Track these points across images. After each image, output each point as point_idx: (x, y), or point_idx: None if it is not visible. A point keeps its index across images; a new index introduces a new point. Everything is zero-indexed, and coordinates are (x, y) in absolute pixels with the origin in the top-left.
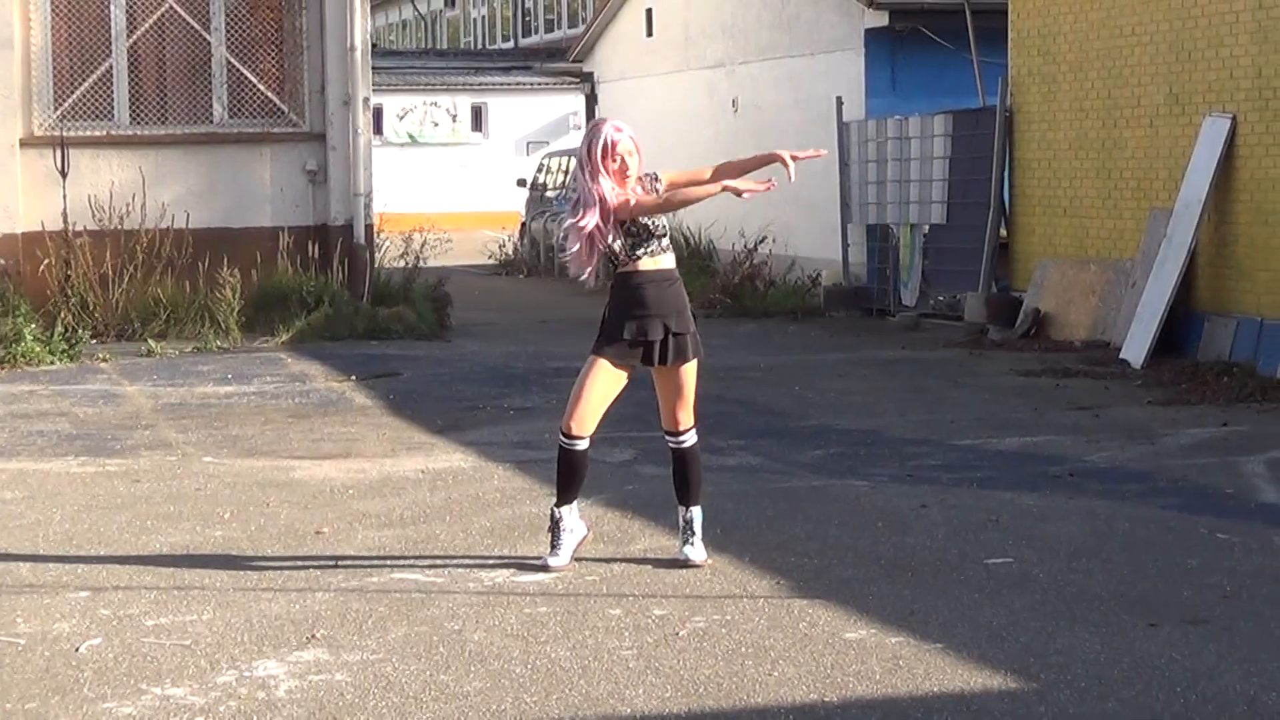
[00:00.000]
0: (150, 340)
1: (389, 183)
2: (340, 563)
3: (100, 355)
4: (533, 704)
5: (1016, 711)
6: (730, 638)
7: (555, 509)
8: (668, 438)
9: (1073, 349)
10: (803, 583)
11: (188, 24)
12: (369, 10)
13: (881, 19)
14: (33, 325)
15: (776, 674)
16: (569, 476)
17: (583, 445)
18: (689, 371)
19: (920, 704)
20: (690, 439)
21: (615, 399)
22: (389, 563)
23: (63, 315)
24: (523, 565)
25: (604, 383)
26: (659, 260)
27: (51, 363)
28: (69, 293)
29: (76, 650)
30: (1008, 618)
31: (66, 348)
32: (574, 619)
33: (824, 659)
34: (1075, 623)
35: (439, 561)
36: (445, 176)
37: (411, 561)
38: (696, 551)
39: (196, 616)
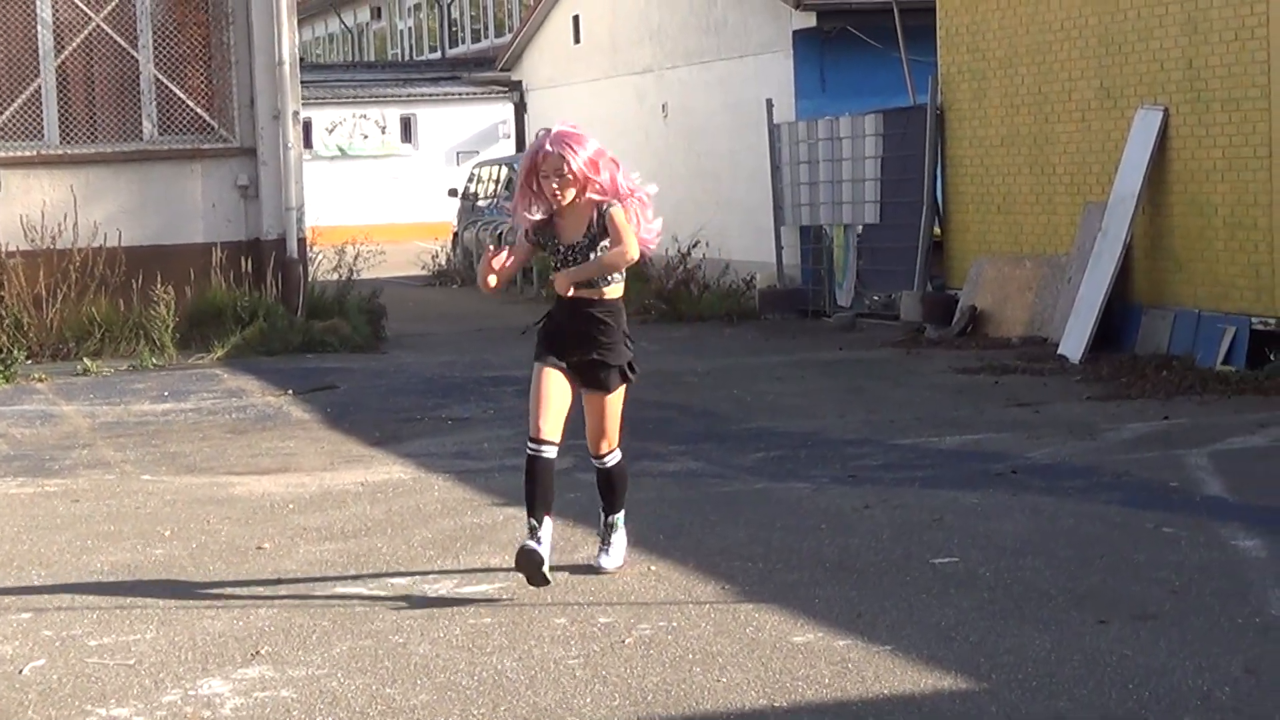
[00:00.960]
0: (86, 359)
1: (320, 196)
2: (282, 578)
3: (36, 375)
4: (480, 715)
5: (968, 712)
6: (677, 644)
7: (529, 518)
8: (591, 458)
9: (1010, 345)
10: (748, 587)
11: (115, 42)
12: (296, 24)
13: (809, 20)
14: None
15: (725, 680)
16: (535, 486)
17: (550, 452)
18: (612, 401)
19: (871, 707)
20: (612, 460)
21: (569, 409)
22: (331, 577)
23: None
24: (466, 576)
25: (555, 384)
26: (592, 289)
27: None
28: (2, 313)
29: (20, 672)
30: (956, 617)
31: (1, 369)
32: (519, 629)
33: (772, 663)
34: (1024, 621)
35: (382, 574)
36: (376, 188)
37: (354, 575)
38: (610, 559)
39: (140, 636)
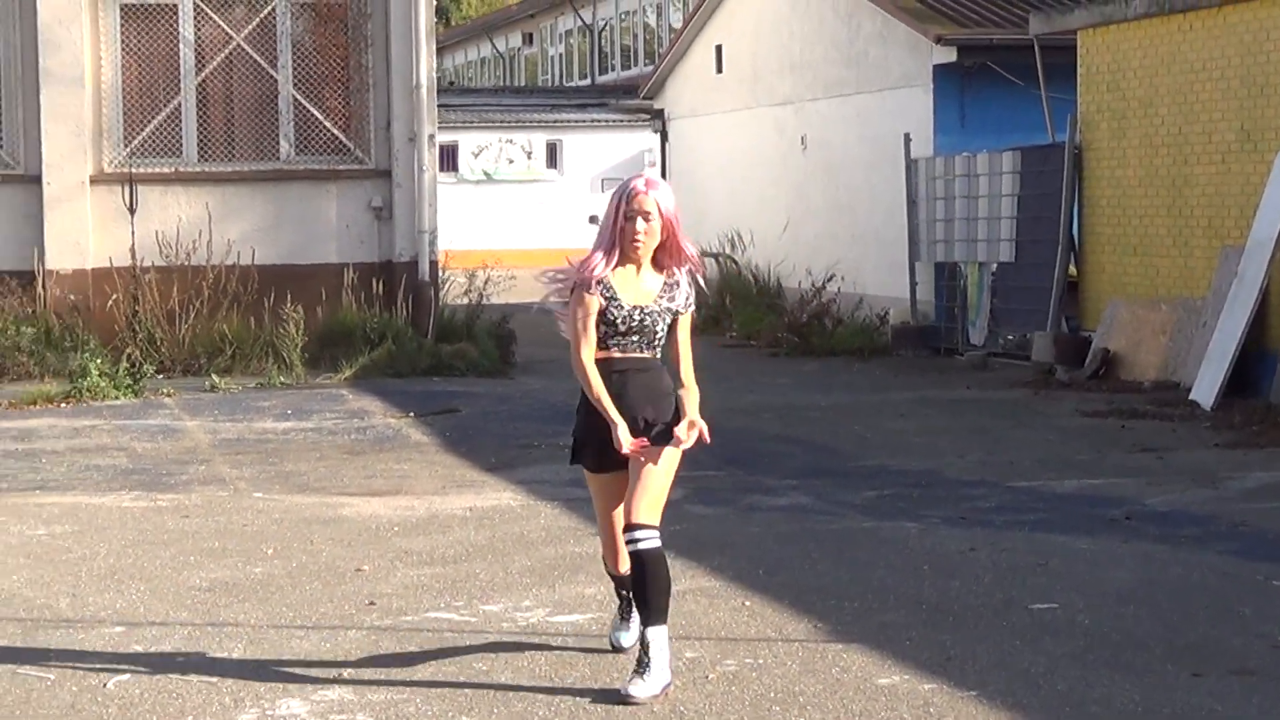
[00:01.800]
0: (215, 376)
1: (465, 219)
2: (376, 601)
3: (165, 390)
4: None
5: None
6: (760, 682)
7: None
8: (623, 534)
9: (1141, 390)
10: (841, 626)
11: (255, 62)
12: (435, 48)
13: (950, 55)
14: (99, 360)
15: None
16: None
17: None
18: (669, 455)
19: None
20: (648, 540)
21: None
22: (425, 601)
23: (129, 350)
24: (559, 605)
25: (615, 498)
26: (630, 351)
27: (116, 397)
28: (136, 328)
29: (105, 686)
30: (1047, 664)
31: (131, 383)
32: (604, 661)
33: (853, 705)
34: (1116, 671)
35: (476, 600)
36: (520, 213)
37: (448, 600)
38: (646, 686)
39: (227, 654)
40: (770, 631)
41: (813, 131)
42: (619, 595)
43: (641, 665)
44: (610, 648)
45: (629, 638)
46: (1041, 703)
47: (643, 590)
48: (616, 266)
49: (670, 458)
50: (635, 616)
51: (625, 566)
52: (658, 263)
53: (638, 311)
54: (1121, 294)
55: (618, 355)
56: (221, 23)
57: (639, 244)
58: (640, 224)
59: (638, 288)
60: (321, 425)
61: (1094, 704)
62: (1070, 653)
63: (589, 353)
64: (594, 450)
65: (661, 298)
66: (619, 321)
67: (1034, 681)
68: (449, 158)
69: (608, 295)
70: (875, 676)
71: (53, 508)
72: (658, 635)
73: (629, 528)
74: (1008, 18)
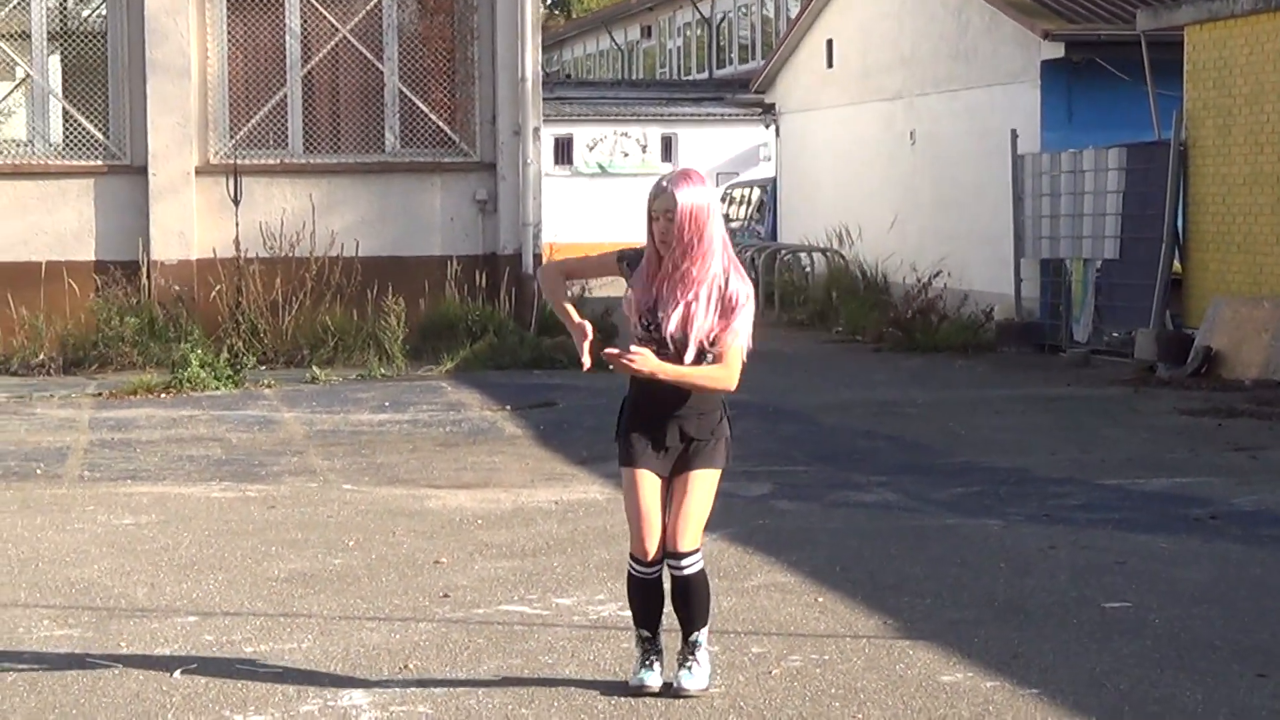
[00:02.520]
0: (316, 367)
1: (579, 212)
2: (450, 593)
3: (265, 381)
4: None
5: None
6: (823, 678)
7: (637, 629)
8: (666, 560)
9: (1242, 388)
10: (910, 623)
11: (361, 54)
12: (540, 41)
13: (1057, 50)
14: (200, 351)
15: (860, 716)
16: (644, 601)
17: (658, 572)
18: (702, 482)
19: None
20: (693, 565)
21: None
22: (499, 594)
23: (231, 341)
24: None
25: (652, 494)
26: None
27: (216, 388)
28: (239, 319)
29: (171, 676)
30: (1113, 664)
31: (231, 373)
32: (670, 655)
33: (913, 702)
34: (1182, 671)
35: (550, 594)
36: (634, 207)
37: (522, 593)
38: (695, 679)
39: (296, 644)
40: (839, 627)
41: (921, 127)
42: (639, 636)
43: (688, 659)
44: (636, 691)
45: (655, 679)
46: (1101, 702)
47: (688, 608)
48: (655, 270)
49: (710, 483)
50: (658, 659)
51: (655, 553)
52: (690, 274)
53: (654, 321)
54: (1225, 291)
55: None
56: (328, 15)
57: (663, 244)
58: (662, 225)
59: (664, 294)
60: (417, 417)
61: (1154, 704)
62: (1137, 652)
63: (556, 263)
64: (641, 449)
65: (693, 317)
66: (642, 317)
67: (1098, 681)
68: (564, 150)
69: (636, 288)
70: (939, 673)
71: (142, 497)
72: (702, 639)
73: (674, 555)
74: (1115, 13)
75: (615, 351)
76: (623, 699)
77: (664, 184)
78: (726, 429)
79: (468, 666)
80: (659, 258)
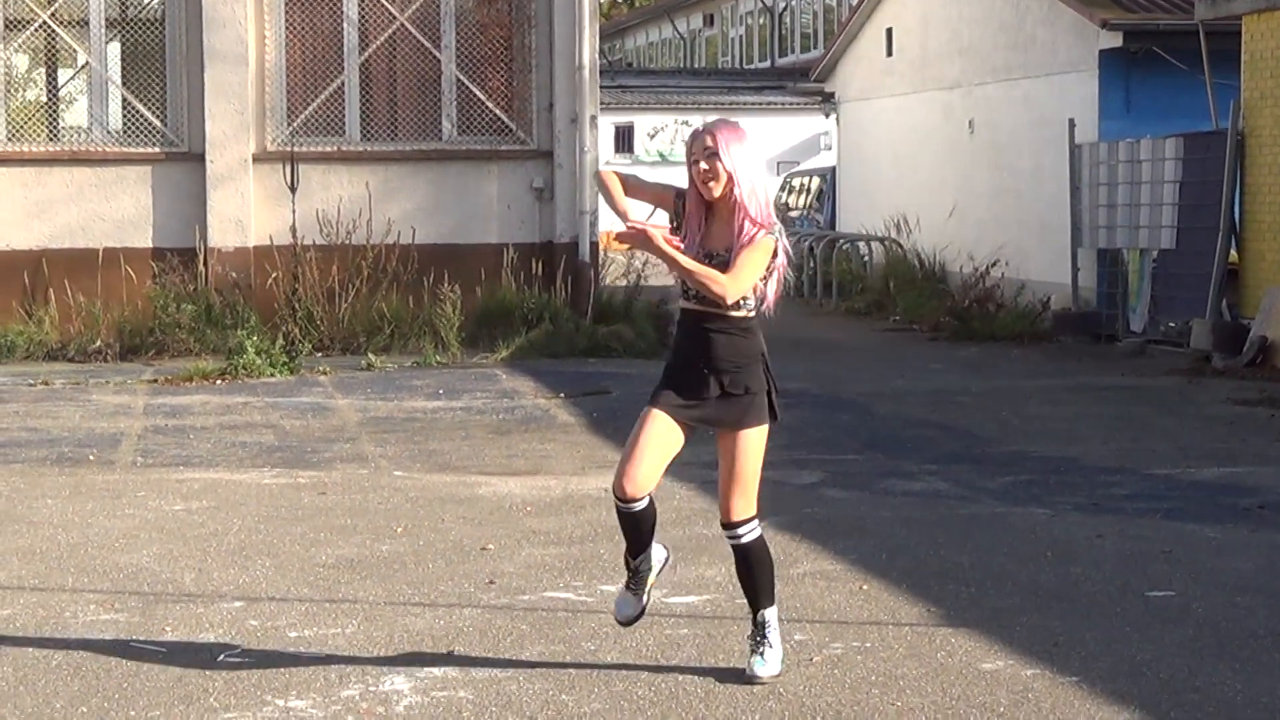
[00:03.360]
0: (372, 354)
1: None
2: (496, 580)
3: (321, 368)
4: None
5: None
6: (864, 665)
7: (627, 556)
8: (723, 529)
9: None
10: (954, 611)
11: (419, 42)
12: (598, 29)
13: (1116, 40)
14: (255, 337)
15: (899, 704)
16: (633, 533)
17: (640, 506)
18: (747, 442)
19: None
20: (750, 533)
21: (674, 458)
22: (545, 581)
23: (287, 328)
24: (677, 586)
25: (657, 435)
26: (709, 305)
27: (271, 375)
28: (295, 306)
29: (215, 660)
30: (1154, 652)
31: (286, 360)
32: (712, 642)
33: (953, 690)
34: (1223, 660)
35: (595, 580)
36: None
37: (567, 580)
38: (767, 666)
39: (340, 630)
40: (882, 615)
41: (980, 115)
42: (627, 565)
43: (759, 645)
44: (624, 620)
45: (629, 607)
46: (1141, 690)
47: (751, 579)
48: (698, 213)
49: (755, 444)
50: (637, 590)
51: (638, 487)
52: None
53: (704, 255)
54: None
55: (694, 307)
56: (385, 2)
57: (710, 183)
58: (703, 165)
59: (711, 231)
60: (471, 405)
61: (1193, 692)
62: (1179, 641)
63: (617, 171)
64: (672, 395)
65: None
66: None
67: (1138, 669)
68: (625, 139)
69: (684, 230)
70: (979, 661)
71: (193, 483)
72: (772, 615)
73: (729, 525)
74: (1174, 3)
75: (632, 223)
76: (664, 686)
77: (703, 128)
78: (766, 383)
79: (510, 652)
80: (701, 200)
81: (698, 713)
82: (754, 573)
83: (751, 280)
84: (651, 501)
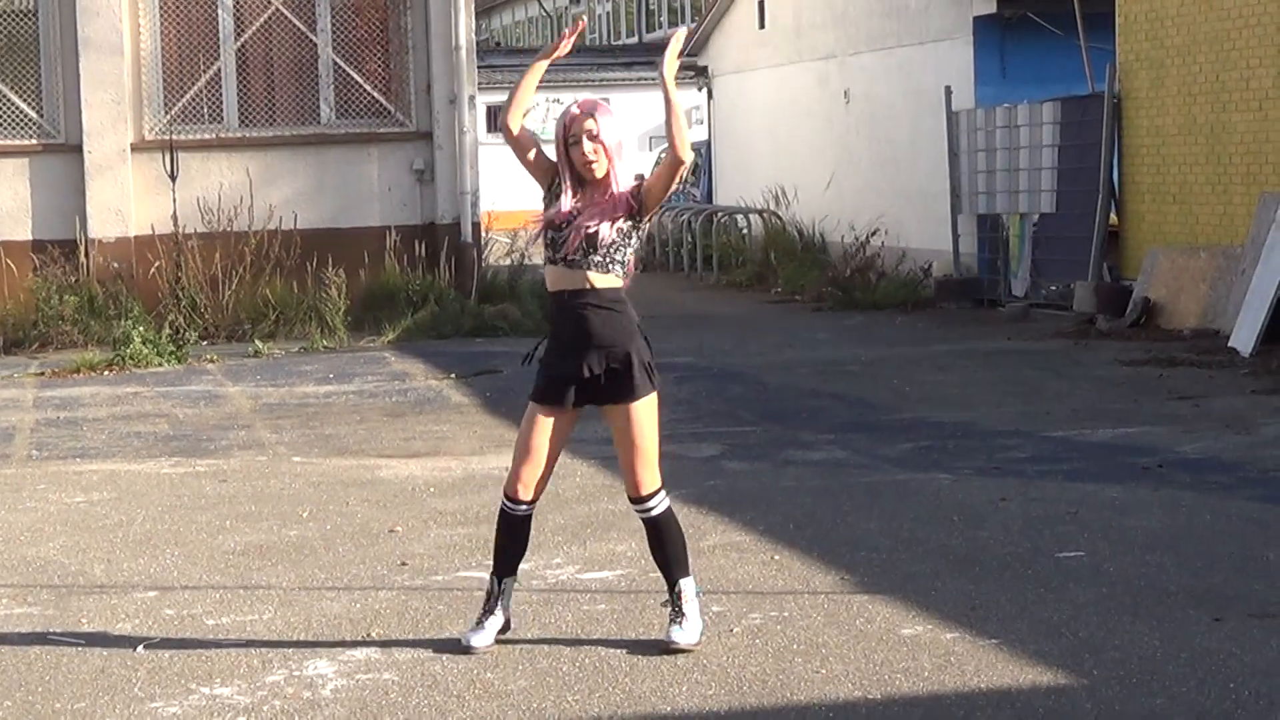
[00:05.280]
0: (258, 341)
1: (510, 181)
2: (408, 561)
3: (208, 356)
4: (574, 702)
5: (1062, 709)
6: (784, 634)
7: (493, 578)
8: (632, 505)
9: (1181, 338)
10: (867, 578)
11: (294, 26)
12: (474, 9)
13: (989, 6)
14: (141, 327)
15: (824, 671)
16: (510, 542)
17: (525, 510)
18: (639, 414)
19: (964, 700)
20: (659, 505)
21: (560, 449)
22: (457, 561)
23: (172, 317)
24: (589, 562)
25: (544, 434)
26: (605, 277)
27: (159, 364)
28: (179, 295)
29: (134, 650)
30: (1070, 612)
31: (174, 349)
32: (630, 616)
33: (875, 656)
34: (1138, 617)
35: None
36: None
37: (479, 560)
38: (686, 634)
39: (257, 616)
40: (797, 584)
41: (856, 85)
42: (490, 584)
43: (678, 615)
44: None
45: (483, 638)
46: (1061, 650)
47: (664, 551)
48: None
49: (648, 413)
50: (493, 618)
51: (529, 490)
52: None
53: (563, 231)
54: (1161, 243)
55: (566, 286)
56: None
57: (593, 164)
58: (588, 144)
59: (586, 208)
60: (363, 388)
61: (1113, 649)
62: (1093, 600)
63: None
64: (558, 387)
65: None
66: (554, 226)
67: (1056, 629)
68: (496, 119)
69: (552, 204)
70: (899, 627)
71: (92, 475)
72: (688, 585)
73: (637, 500)
74: None
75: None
76: (587, 661)
77: (577, 110)
78: (646, 350)
79: (430, 632)
80: (574, 178)
81: (624, 686)
82: (665, 544)
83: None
84: (531, 515)
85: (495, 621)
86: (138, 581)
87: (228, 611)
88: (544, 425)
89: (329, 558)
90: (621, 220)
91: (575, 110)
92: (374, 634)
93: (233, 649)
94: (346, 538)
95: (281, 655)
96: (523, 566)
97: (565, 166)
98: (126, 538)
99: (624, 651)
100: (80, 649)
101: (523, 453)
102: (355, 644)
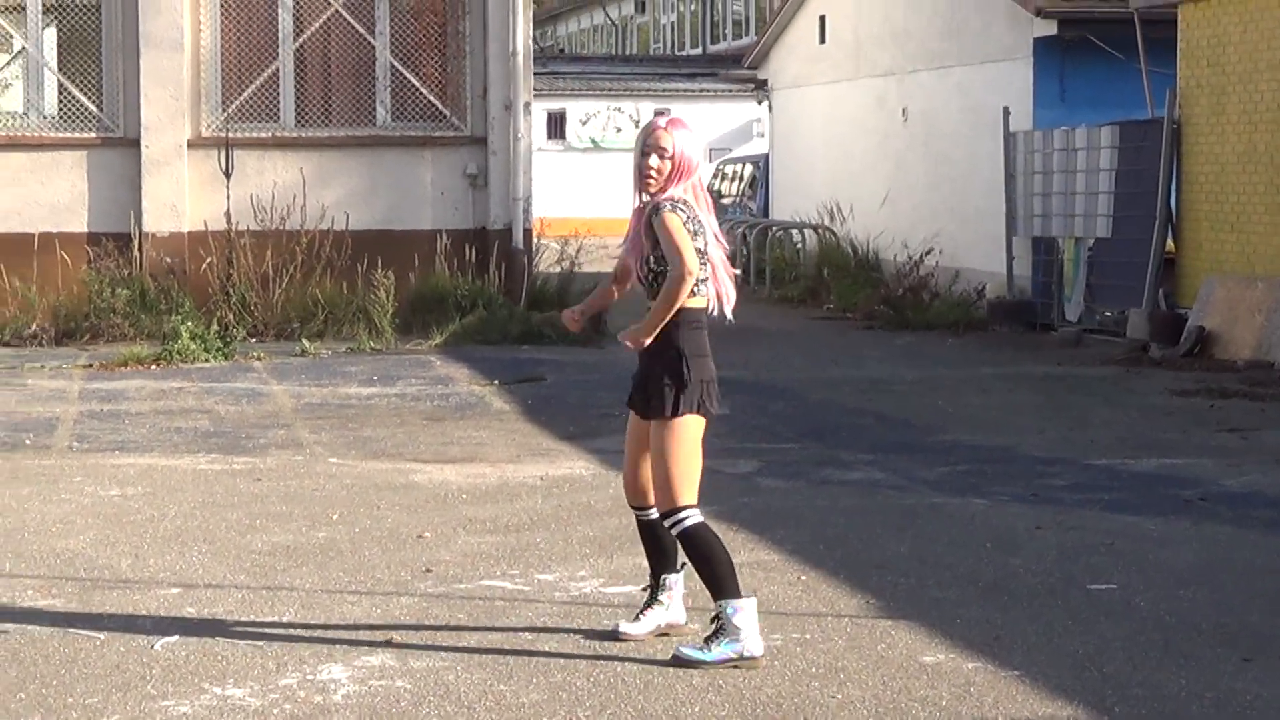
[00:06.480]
0: (306, 340)
1: (572, 187)
2: (433, 568)
3: (255, 354)
4: (585, 718)
5: None
6: (804, 657)
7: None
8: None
9: (1235, 369)
10: (893, 602)
11: (353, 28)
12: (531, 15)
13: (1050, 28)
14: (190, 323)
15: (840, 696)
16: (646, 543)
17: (648, 515)
18: (655, 433)
19: None
20: (677, 525)
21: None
22: (481, 569)
23: (221, 313)
24: (614, 575)
25: (632, 436)
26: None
27: (206, 360)
28: (230, 291)
29: (152, 647)
30: (1097, 646)
31: (221, 346)
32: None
33: (894, 683)
34: (1166, 654)
35: (531, 570)
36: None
37: (504, 569)
38: (689, 651)
39: (277, 618)
40: (821, 607)
41: (914, 103)
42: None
43: (705, 634)
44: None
45: (631, 626)
46: (1085, 685)
47: (697, 569)
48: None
49: (663, 436)
50: (653, 609)
51: (628, 499)
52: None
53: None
54: (1218, 271)
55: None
56: None
57: (650, 180)
58: (654, 160)
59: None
60: (405, 391)
61: (1137, 686)
62: (1121, 635)
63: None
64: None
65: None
66: (640, 266)
67: (1081, 663)
68: (557, 125)
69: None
70: (920, 654)
71: (129, 469)
72: (724, 608)
73: (662, 511)
74: None
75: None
76: (602, 677)
77: (662, 124)
78: (685, 374)
79: (448, 641)
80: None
81: (637, 704)
82: (692, 562)
83: (683, 243)
84: (651, 520)
85: (655, 614)
86: (163, 578)
87: (248, 611)
88: (629, 429)
89: (354, 561)
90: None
91: (660, 124)
92: (392, 640)
93: (249, 650)
94: (374, 541)
95: (297, 658)
96: (546, 578)
97: (636, 173)
98: (156, 533)
99: (639, 668)
100: (98, 644)
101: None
102: (372, 649)
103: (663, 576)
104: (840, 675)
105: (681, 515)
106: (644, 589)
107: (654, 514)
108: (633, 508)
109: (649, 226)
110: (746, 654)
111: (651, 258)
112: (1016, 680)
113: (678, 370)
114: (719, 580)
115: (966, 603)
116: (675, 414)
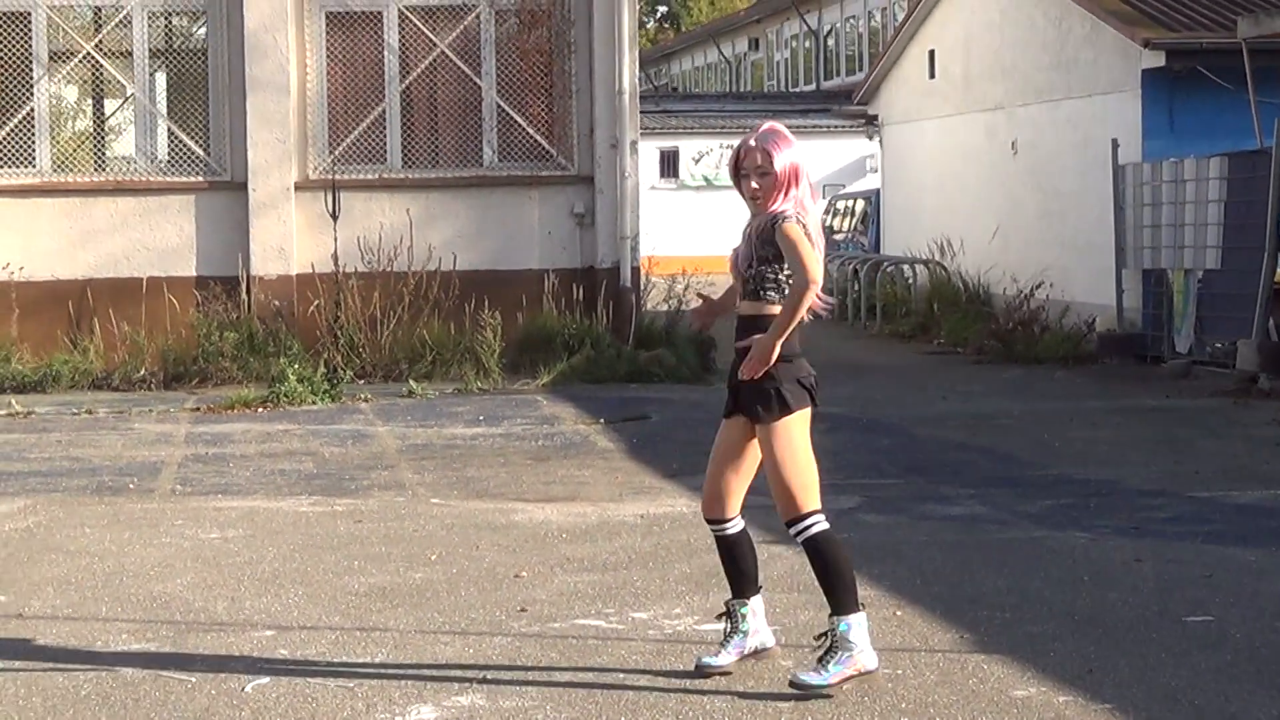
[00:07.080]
0: (413, 381)
1: (685, 225)
2: (528, 607)
3: (362, 395)
4: None
5: None
6: (894, 692)
7: (727, 602)
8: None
9: None
10: (987, 637)
11: (459, 69)
12: (637, 55)
13: (1158, 60)
14: (297, 365)
15: None
16: (725, 563)
17: (724, 530)
18: (766, 437)
19: None
20: (803, 532)
21: (744, 466)
22: (576, 608)
23: (329, 355)
24: (709, 613)
25: (723, 447)
26: (754, 304)
27: (313, 402)
28: (338, 333)
29: (243, 690)
30: (1190, 679)
31: (328, 388)
32: (743, 670)
33: (982, 717)
34: (1260, 687)
35: (627, 608)
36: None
37: (599, 608)
38: (803, 673)
39: (370, 659)
40: (915, 641)
41: (1023, 136)
42: (726, 608)
43: (817, 654)
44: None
45: (714, 660)
46: (1175, 717)
47: (821, 576)
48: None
49: (771, 439)
50: (734, 639)
51: (717, 508)
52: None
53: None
54: None
55: (743, 311)
56: (425, 29)
57: (757, 200)
58: (755, 181)
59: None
60: (510, 431)
61: (1228, 719)
62: (1215, 667)
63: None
64: (728, 396)
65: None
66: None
67: (1172, 696)
68: (670, 163)
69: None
70: (1011, 688)
71: (230, 511)
72: (842, 628)
73: (786, 522)
74: (1217, 21)
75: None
76: (691, 714)
77: (752, 142)
78: (789, 371)
79: (539, 680)
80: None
81: None
82: (821, 570)
83: (807, 254)
84: (745, 532)
85: (737, 643)
86: (258, 620)
87: (341, 653)
88: (719, 436)
89: (449, 601)
90: (762, 249)
91: (751, 142)
92: (483, 680)
93: (339, 691)
94: (470, 581)
95: (387, 698)
96: (640, 616)
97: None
98: (253, 575)
99: (728, 705)
100: (189, 686)
101: (709, 467)
102: (462, 690)
103: (738, 604)
104: (930, 710)
105: (808, 522)
106: (719, 616)
107: (731, 529)
108: (708, 521)
109: (764, 232)
110: (863, 669)
111: (756, 258)
112: (1107, 713)
113: (779, 371)
114: (840, 593)
115: (1060, 636)
116: (785, 413)
